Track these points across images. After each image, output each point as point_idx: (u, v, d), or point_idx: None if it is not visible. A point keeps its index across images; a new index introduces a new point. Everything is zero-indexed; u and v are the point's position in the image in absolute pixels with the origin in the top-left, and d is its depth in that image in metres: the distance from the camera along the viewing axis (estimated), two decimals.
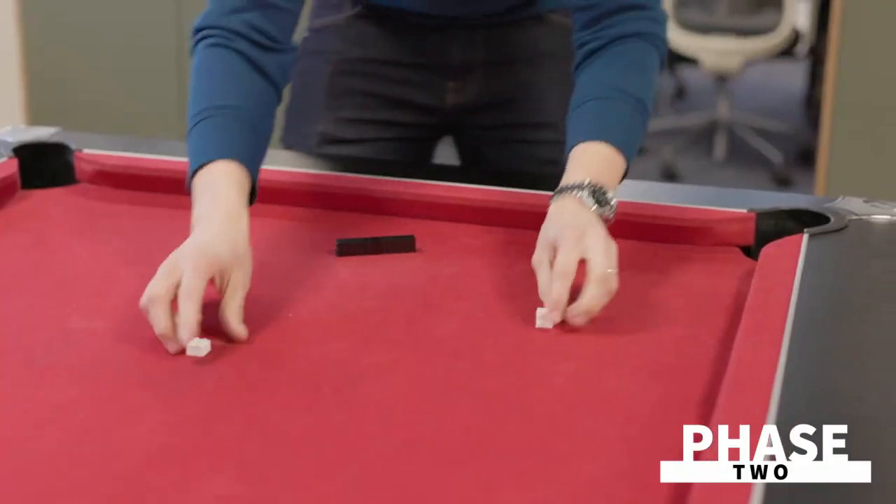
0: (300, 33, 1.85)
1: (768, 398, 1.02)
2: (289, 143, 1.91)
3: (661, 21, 1.57)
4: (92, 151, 1.75)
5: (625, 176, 1.47)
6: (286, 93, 1.79)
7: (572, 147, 1.46)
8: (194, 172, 1.39)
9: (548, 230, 1.37)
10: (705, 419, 1.06)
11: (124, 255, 1.49)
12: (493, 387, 1.17)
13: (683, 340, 1.27)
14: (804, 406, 1.02)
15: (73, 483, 1.00)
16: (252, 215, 1.56)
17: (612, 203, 1.39)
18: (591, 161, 1.43)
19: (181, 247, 1.30)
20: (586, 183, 1.39)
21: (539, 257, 1.35)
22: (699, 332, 1.28)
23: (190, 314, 1.22)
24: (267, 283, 1.40)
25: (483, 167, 1.92)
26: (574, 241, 1.32)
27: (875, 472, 0.91)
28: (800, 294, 1.25)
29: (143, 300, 1.25)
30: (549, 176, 1.70)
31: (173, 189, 1.68)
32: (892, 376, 1.11)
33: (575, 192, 1.39)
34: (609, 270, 1.30)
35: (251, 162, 1.41)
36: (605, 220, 1.38)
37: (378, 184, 1.65)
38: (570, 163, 1.45)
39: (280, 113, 1.84)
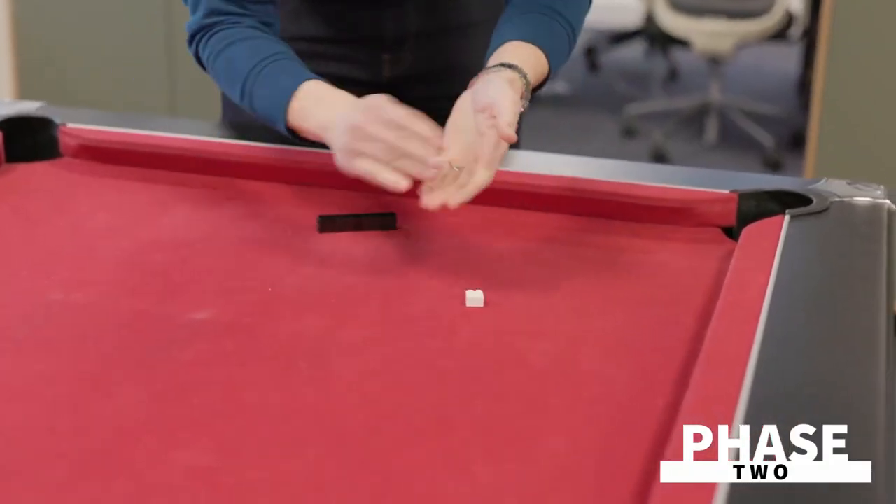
0: None
1: (741, 379, 1.02)
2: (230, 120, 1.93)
3: None
4: (76, 126, 1.75)
5: (542, 86, 1.54)
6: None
7: (504, 42, 1.52)
8: (288, 104, 1.46)
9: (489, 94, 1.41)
10: (677, 398, 1.07)
11: (106, 228, 1.49)
12: (467, 365, 1.17)
13: (661, 320, 1.28)
14: (777, 388, 1.02)
15: (43, 455, 1.00)
16: (233, 190, 1.56)
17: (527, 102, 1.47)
18: (525, 55, 1.50)
19: (341, 137, 1.37)
20: (521, 70, 1.46)
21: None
22: (677, 312, 1.29)
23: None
24: (248, 258, 1.41)
25: None
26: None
27: (853, 458, 0.92)
28: (778, 275, 1.25)
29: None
30: None
31: (157, 164, 1.68)
32: (867, 359, 1.11)
33: (513, 72, 1.45)
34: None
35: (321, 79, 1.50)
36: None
37: None
38: (503, 50, 1.51)
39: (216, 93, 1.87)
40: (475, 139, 1.40)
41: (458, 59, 1.89)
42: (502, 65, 1.46)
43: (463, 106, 1.47)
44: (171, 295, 1.31)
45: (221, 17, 1.56)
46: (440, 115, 1.90)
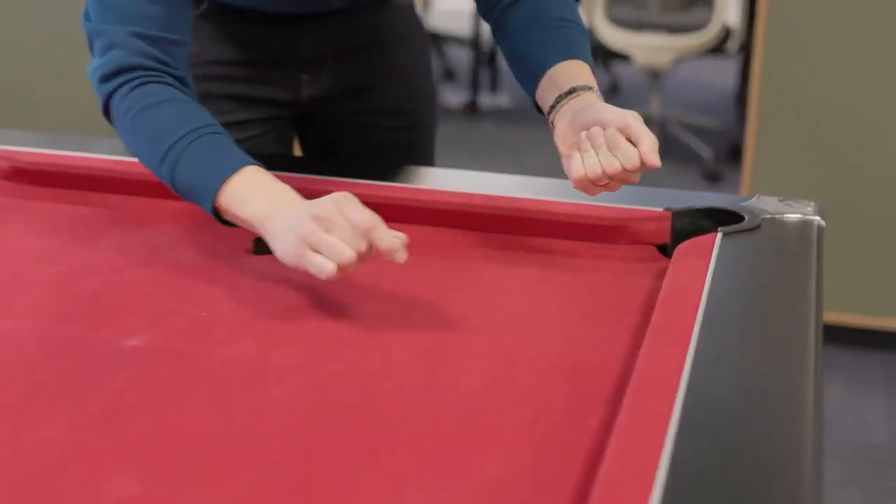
0: None
1: (673, 397, 1.03)
2: None
3: None
4: (8, 148, 1.73)
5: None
6: None
7: (551, 65, 1.50)
8: (220, 187, 1.37)
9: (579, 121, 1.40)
10: (611, 418, 1.07)
11: (38, 253, 1.48)
12: (402, 386, 1.17)
13: (596, 338, 1.28)
14: (708, 406, 1.03)
15: None
16: (168, 213, 1.55)
17: None
18: (581, 71, 1.49)
19: (298, 225, 1.28)
20: (594, 87, 1.46)
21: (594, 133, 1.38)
22: (611, 331, 1.29)
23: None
24: (182, 282, 1.40)
25: (332, 155, 1.95)
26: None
27: (766, 476, 0.93)
28: (710, 293, 1.26)
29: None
30: (401, 160, 1.86)
31: (91, 187, 1.67)
32: (797, 374, 1.12)
33: (595, 91, 1.45)
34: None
35: (257, 162, 1.42)
36: None
37: (295, 181, 1.64)
38: (563, 74, 1.49)
39: None
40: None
41: (377, 76, 1.90)
42: (580, 88, 1.46)
43: (564, 133, 1.43)
44: (102, 320, 1.30)
45: (145, 62, 1.47)
46: (360, 129, 1.92)
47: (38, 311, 1.32)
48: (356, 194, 1.59)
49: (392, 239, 1.26)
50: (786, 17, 3.28)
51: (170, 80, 1.47)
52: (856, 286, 3.32)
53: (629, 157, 1.36)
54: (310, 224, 1.26)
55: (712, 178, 5.06)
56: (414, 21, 1.96)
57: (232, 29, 1.85)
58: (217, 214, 1.39)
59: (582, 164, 1.37)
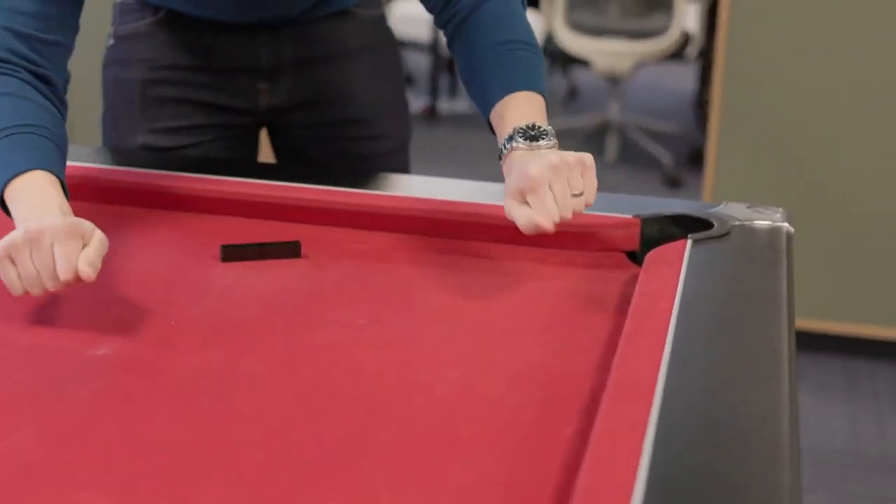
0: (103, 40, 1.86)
1: (649, 406, 1.02)
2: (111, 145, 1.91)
3: None
4: None
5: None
6: (100, 104, 1.86)
7: (496, 101, 1.49)
8: (6, 185, 1.36)
9: (514, 178, 1.37)
10: (585, 427, 1.07)
11: None
12: (372, 395, 1.16)
13: (566, 347, 1.27)
14: (682, 414, 1.03)
15: None
16: (132, 219, 1.53)
17: (552, 134, 1.43)
18: (516, 111, 1.47)
19: (22, 230, 1.26)
20: (533, 125, 1.43)
21: (507, 206, 1.36)
22: (582, 339, 1.29)
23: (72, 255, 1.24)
24: (149, 289, 1.38)
25: (300, 164, 1.94)
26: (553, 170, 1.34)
27: (743, 482, 0.93)
28: (682, 300, 1.26)
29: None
30: (367, 171, 1.85)
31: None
32: (771, 381, 1.11)
33: (520, 137, 1.43)
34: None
35: (60, 173, 1.40)
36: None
37: (262, 188, 1.63)
38: (505, 115, 1.47)
39: (96, 121, 1.84)
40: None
41: (336, 87, 1.89)
42: (506, 143, 1.44)
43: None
44: (68, 329, 1.28)
45: (6, 55, 1.46)
46: (320, 140, 1.91)
47: (2, 319, 1.29)
48: (313, 200, 1.59)
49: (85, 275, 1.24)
50: (746, 24, 3.29)
51: (25, 75, 1.47)
52: (817, 292, 3.34)
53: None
54: (19, 238, 1.25)
55: (672, 184, 5.08)
56: (380, 32, 1.94)
57: (189, 36, 1.83)
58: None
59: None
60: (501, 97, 1.49)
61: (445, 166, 5.00)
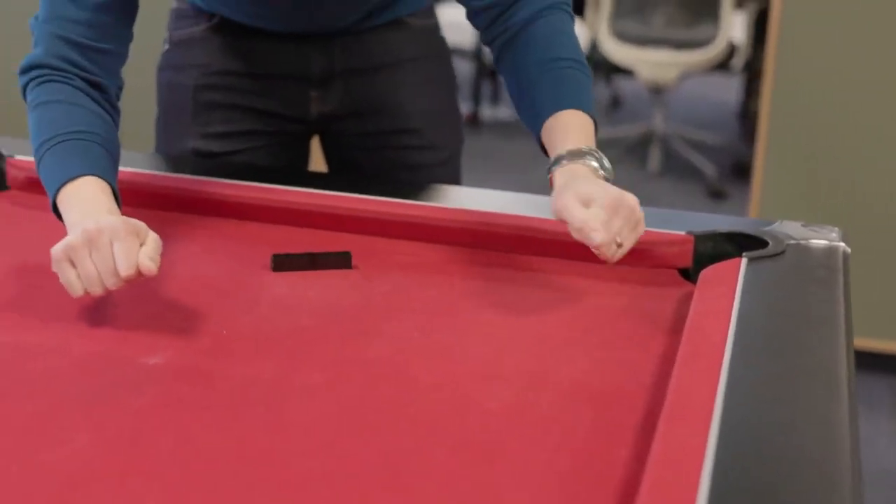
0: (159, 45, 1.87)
1: (707, 429, 1.01)
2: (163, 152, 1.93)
3: None
4: (24, 158, 1.71)
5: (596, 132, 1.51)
6: (153, 109, 1.87)
7: (546, 117, 1.48)
8: (58, 190, 1.38)
9: (578, 187, 1.36)
10: (641, 448, 1.06)
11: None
12: (423, 410, 1.15)
13: (620, 365, 1.26)
14: (743, 439, 1.01)
15: None
16: (185, 226, 1.53)
17: (604, 159, 1.43)
18: (578, 129, 1.46)
19: (79, 230, 1.28)
20: (589, 150, 1.43)
21: (566, 202, 1.34)
22: (636, 357, 1.28)
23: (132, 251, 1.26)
24: (202, 298, 1.38)
25: (351, 172, 1.94)
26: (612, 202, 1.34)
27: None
28: (738, 320, 1.25)
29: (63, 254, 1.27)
30: (417, 181, 1.85)
31: None
32: (832, 405, 1.10)
33: (586, 158, 1.42)
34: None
35: (111, 179, 1.42)
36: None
37: (314, 197, 1.63)
38: (556, 131, 1.47)
39: (150, 127, 1.85)
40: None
41: (387, 96, 1.88)
42: (561, 157, 1.43)
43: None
44: (123, 337, 1.28)
45: (59, 63, 1.49)
46: (371, 149, 1.90)
47: (58, 326, 1.30)
48: (371, 212, 1.59)
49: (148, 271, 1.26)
50: (796, 35, 3.26)
51: (78, 82, 1.49)
52: (864, 310, 3.30)
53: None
54: (77, 239, 1.27)
55: (716, 196, 5.05)
56: (433, 42, 1.94)
57: (242, 43, 1.84)
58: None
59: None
60: (552, 114, 1.48)
61: (488, 173, 4.99)
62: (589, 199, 1.33)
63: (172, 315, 1.34)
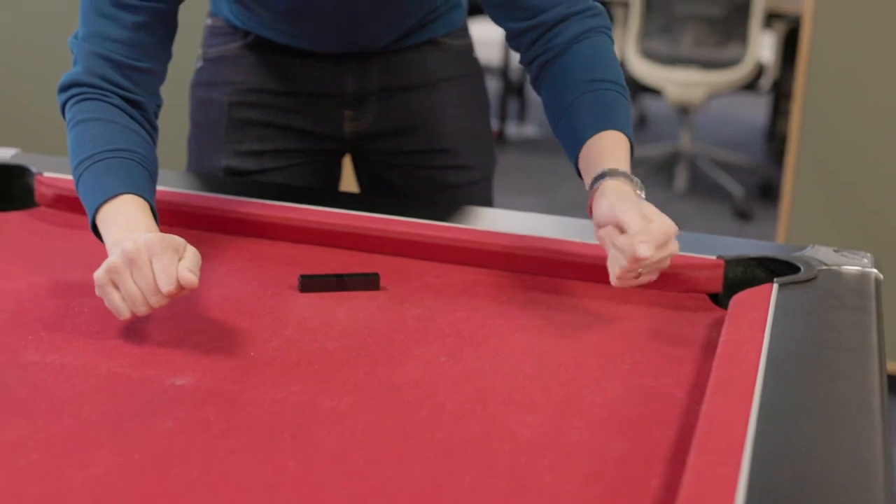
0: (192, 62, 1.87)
1: (739, 458, 1.00)
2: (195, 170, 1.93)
3: (600, 13, 1.59)
4: (53, 175, 1.71)
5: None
6: (187, 126, 1.87)
7: (588, 137, 1.48)
8: (98, 208, 1.39)
9: (640, 203, 1.36)
10: (672, 479, 1.05)
11: (83, 284, 1.45)
12: (453, 437, 1.14)
13: (650, 392, 1.25)
14: (775, 470, 1.00)
15: None
16: (212, 245, 1.53)
17: (642, 188, 1.44)
18: (623, 152, 1.46)
19: (118, 252, 1.29)
20: (632, 175, 1.43)
21: (625, 208, 1.35)
22: (667, 383, 1.26)
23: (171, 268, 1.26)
24: (229, 319, 1.38)
25: (383, 191, 1.94)
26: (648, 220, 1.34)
27: None
28: (770, 347, 1.24)
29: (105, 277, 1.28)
30: (448, 202, 1.85)
31: None
32: (867, 435, 1.09)
33: (632, 181, 1.42)
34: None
35: (150, 197, 1.43)
36: None
37: (342, 218, 1.62)
38: (601, 150, 1.46)
39: (180, 145, 1.86)
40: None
41: (422, 116, 1.88)
42: (610, 172, 1.43)
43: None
44: (150, 358, 1.28)
45: (97, 81, 1.49)
46: (405, 168, 1.90)
47: (86, 346, 1.29)
48: (400, 233, 1.58)
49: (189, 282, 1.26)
50: (826, 58, 3.25)
51: (117, 100, 1.50)
52: (893, 333, 3.27)
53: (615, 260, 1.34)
54: (117, 261, 1.27)
55: (742, 216, 5.03)
56: (467, 62, 1.94)
57: (276, 61, 1.84)
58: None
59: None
60: (594, 134, 1.47)
61: (513, 191, 4.99)
62: (650, 218, 1.33)
63: (200, 336, 1.33)
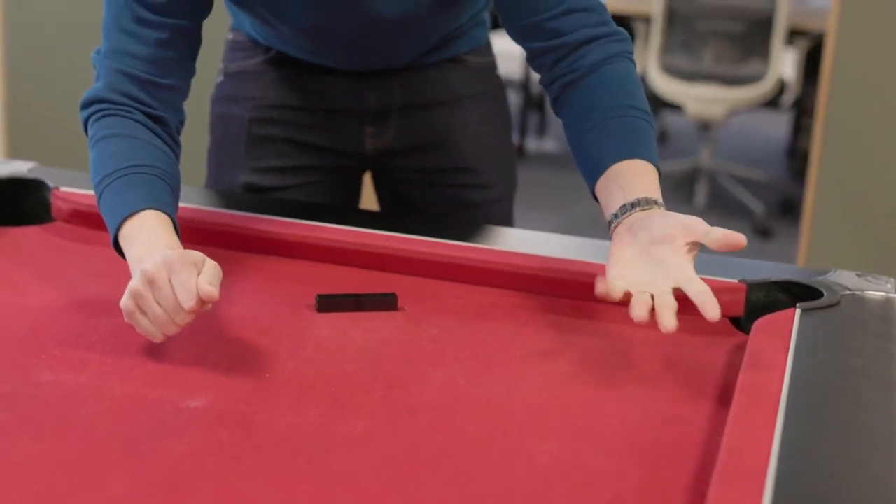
0: (213, 76, 1.85)
1: (762, 489, 0.98)
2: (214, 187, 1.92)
3: (626, 39, 1.56)
4: (70, 189, 1.70)
5: None
6: (206, 141, 1.86)
7: (614, 162, 1.45)
8: (120, 225, 1.38)
9: (666, 224, 1.36)
10: None
11: (98, 302, 1.45)
12: (471, 463, 1.12)
13: (671, 419, 1.23)
14: (798, 498, 0.98)
15: None
16: (228, 263, 1.52)
17: None
18: (649, 179, 1.45)
19: (138, 275, 1.28)
20: (659, 201, 1.42)
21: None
22: (687, 411, 1.24)
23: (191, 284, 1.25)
24: (245, 339, 1.37)
25: (403, 208, 1.92)
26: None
27: None
28: (793, 375, 1.22)
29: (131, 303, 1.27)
30: (468, 221, 1.83)
31: None
32: (886, 465, 1.07)
33: (660, 206, 1.42)
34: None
35: (171, 212, 1.42)
36: None
37: (361, 237, 1.61)
38: (627, 176, 1.44)
39: (199, 160, 1.85)
40: (652, 271, 1.34)
41: (444, 133, 1.87)
42: (645, 200, 1.42)
43: (622, 243, 1.39)
44: (165, 377, 1.26)
45: (118, 98, 1.49)
46: (427, 186, 1.89)
47: (100, 365, 1.28)
48: (419, 252, 1.56)
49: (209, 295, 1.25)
50: (850, 76, 3.23)
51: (139, 115, 1.49)
52: None
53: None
54: (138, 285, 1.27)
55: (763, 234, 5.01)
56: (490, 80, 1.92)
57: (298, 77, 1.83)
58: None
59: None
60: (621, 160, 1.45)
61: (531, 207, 4.97)
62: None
63: (216, 356, 1.32)
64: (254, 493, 1.05)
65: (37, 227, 1.69)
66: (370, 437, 1.16)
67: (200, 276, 1.26)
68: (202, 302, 1.25)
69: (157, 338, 1.28)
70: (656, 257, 1.34)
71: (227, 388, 1.24)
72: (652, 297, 1.31)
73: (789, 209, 5.27)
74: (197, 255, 1.28)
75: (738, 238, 1.30)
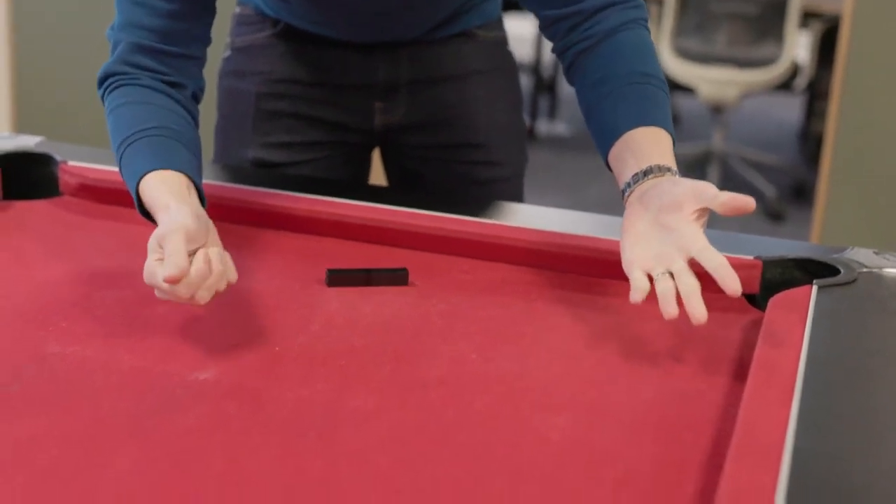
0: (221, 51, 1.83)
1: (778, 465, 0.96)
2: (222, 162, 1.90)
3: (641, 5, 1.54)
4: (78, 164, 1.69)
5: None
6: (214, 116, 1.82)
7: (629, 129, 1.43)
8: (138, 196, 1.37)
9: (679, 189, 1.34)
10: (707, 485, 1.01)
11: (106, 275, 1.43)
12: (482, 439, 1.11)
13: (685, 395, 1.22)
14: (814, 479, 0.96)
15: None
16: (238, 237, 1.51)
17: None
18: (666, 148, 1.42)
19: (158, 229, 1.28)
20: (673, 168, 1.40)
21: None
22: (702, 387, 1.23)
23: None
24: (254, 312, 1.35)
25: (412, 184, 1.90)
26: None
27: None
28: (809, 352, 1.20)
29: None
30: (479, 197, 1.81)
31: None
32: None
33: (673, 173, 1.39)
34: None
35: (194, 173, 1.40)
36: None
37: (371, 211, 1.59)
38: (641, 143, 1.42)
39: (207, 135, 1.83)
40: (663, 242, 1.32)
41: (453, 109, 1.84)
42: (657, 167, 1.39)
43: (634, 215, 1.37)
44: (173, 351, 1.25)
45: (130, 69, 1.48)
46: (436, 162, 1.87)
47: (107, 338, 1.27)
48: (429, 228, 1.55)
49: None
50: (865, 59, 3.20)
51: (148, 81, 1.47)
52: None
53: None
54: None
55: (775, 217, 4.98)
56: (501, 55, 1.90)
57: (306, 51, 1.81)
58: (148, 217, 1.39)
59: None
60: (634, 127, 1.42)
61: (542, 190, 4.95)
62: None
63: (225, 330, 1.31)
64: (262, 468, 1.04)
65: (44, 200, 1.68)
66: (379, 411, 1.15)
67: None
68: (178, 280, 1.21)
69: (201, 301, 1.25)
70: (667, 226, 1.32)
71: (236, 362, 1.23)
72: (671, 275, 1.29)
73: (801, 193, 5.24)
74: (164, 231, 1.26)
75: (746, 201, 1.28)
